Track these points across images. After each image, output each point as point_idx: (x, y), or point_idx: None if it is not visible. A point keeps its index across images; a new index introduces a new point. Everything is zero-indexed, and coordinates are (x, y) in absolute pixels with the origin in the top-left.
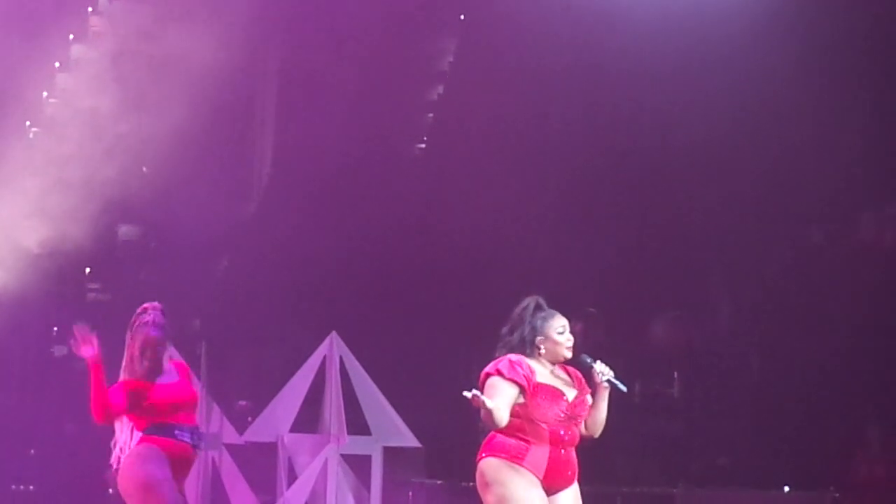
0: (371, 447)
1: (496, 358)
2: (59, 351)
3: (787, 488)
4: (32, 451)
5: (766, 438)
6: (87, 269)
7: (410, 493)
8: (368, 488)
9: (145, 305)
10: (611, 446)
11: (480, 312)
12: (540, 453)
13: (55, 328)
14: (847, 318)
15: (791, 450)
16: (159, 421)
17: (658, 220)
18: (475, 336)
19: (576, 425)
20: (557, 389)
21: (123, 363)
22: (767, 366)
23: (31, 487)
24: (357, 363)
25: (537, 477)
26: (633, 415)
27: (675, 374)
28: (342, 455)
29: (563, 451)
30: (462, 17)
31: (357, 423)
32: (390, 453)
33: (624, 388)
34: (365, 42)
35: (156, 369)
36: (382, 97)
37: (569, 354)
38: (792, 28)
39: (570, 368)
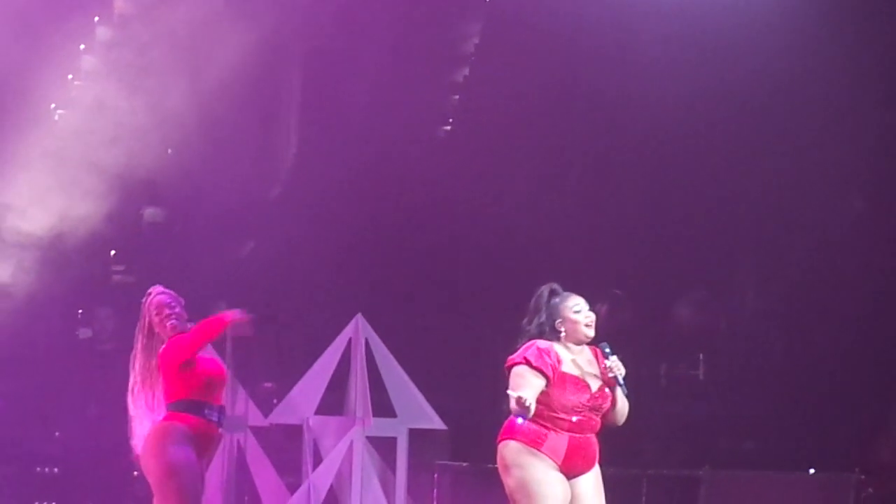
0: (396, 429)
1: (519, 346)
2: (83, 333)
3: (812, 470)
4: (57, 434)
5: (791, 421)
6: (112, 252)
7: (436, 475)
8: (394, 470)
9: (148, 290)
10: (636, 429)
11: (505, 294)
12: (559, 440)
13: (80, 310)
14: (873, 299)
15: (816, 432)
16: (189, 398)
17: (683, 202)
18: (500, 318)
19: (598, 415)
20: (582, 380)
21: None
22: (793, 348)
23: (56, 470)
24: (382, 345)
25: (556, 462)
26: (658, 397)
27: (701, 357)
28: (367, 437)
29: (583, 437)
30: None
31: (382, 406)
32: (416, 435)
33: (624, 392)
34: (390, 25)
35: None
36: (408, 80)
37: (590, 332)
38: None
39: (597, 351)
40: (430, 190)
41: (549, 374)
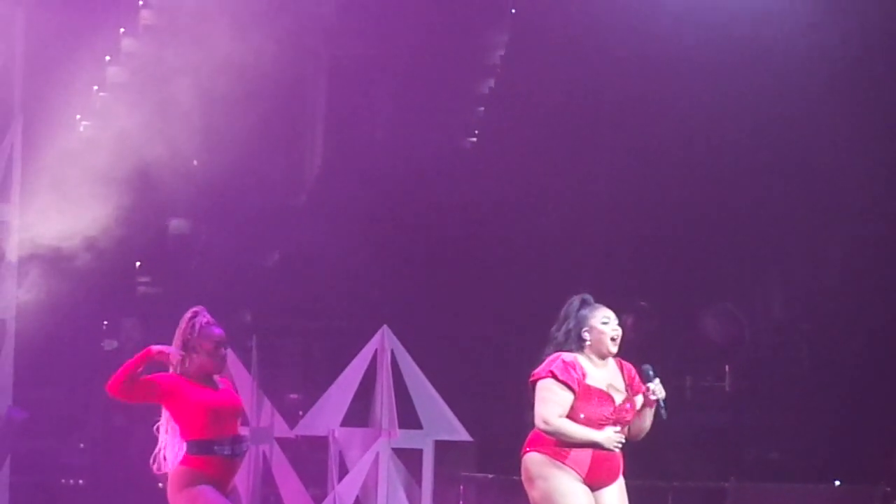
0: (422, 441)
1: (545, 356)
2: (109, 345)
3: (838, 482)
4: (82, 445)
5: (817, 432)
6: (138, 263)
7: (461, 487)
8: (419, 482)
9: (195, 309)
10: (663, 440)
11: (532, 306)
12: (583, 453)
13: (105, 322)
14: None
15: (842, 444)
16: (197, 438)
17: (710, 213)
18: (526, 329)
19: (621, 428)
20: (607, 393)
21: (176, 363)
22: (818, 359)
23: (81, 481)
24: (408, 357)
25: (580, 475)
26: (684, 409)
27: (727, 368)
28: (393, 449)
29: (606, 450)
30: (513, 10)
31: (408, 417)
32: (441, 447)
33: (664, 416)
34: (416, 36)
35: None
36: (433, 91)
37: (614, 348)
38: (845, 25)
39: (627, 365)
40: (456, 200)
41: (575, 387)
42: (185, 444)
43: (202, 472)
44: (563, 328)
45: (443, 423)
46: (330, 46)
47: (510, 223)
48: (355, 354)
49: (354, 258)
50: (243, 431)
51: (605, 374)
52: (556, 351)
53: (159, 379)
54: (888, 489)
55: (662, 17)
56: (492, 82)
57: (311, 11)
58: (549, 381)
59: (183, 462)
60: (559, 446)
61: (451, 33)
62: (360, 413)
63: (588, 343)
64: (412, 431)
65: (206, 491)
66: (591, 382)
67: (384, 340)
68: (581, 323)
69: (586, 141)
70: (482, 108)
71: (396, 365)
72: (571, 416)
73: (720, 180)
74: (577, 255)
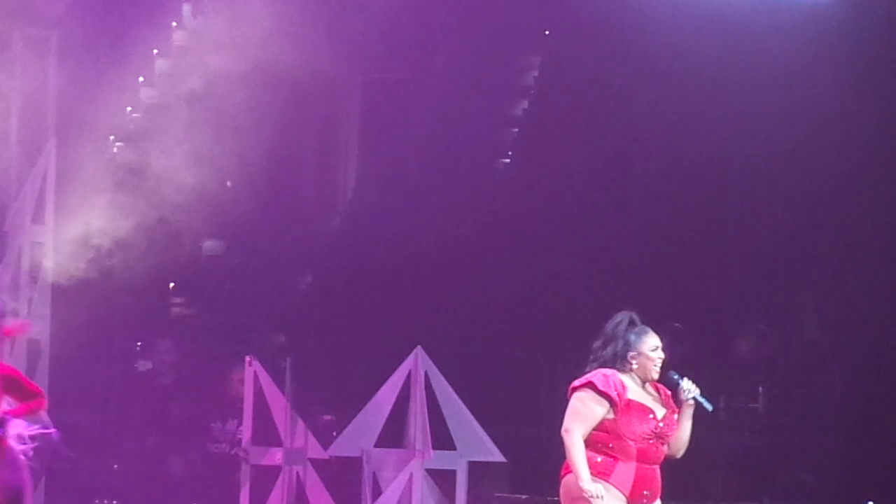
0: (456, 462)
1: (586, 372)
2: (143, 366)
3: (871, 503)
4: (116, 466)
5: (850, 453)
6: (172, 284)
7: None
8: (453, 503)
9: None
10: (696, 461)
11: (565, 327)
12: (627, 470)
13: (139, 343)
14: None
15: (875, 465)
16: None
17: (743, 234)
18: (560, 351)
19: (663, 443)
20: (648, 407)
21: None
22: (852, 380)
23: (114, 502)
24: (442, 378)
25: (623, 494)
26: (718, 430)
27: (760, 390)
28: (427, 470)
29: (649, 468)
30: (547, 32)
31: (442, 438)
32: (475, 468)
33: (709, 407)
34: (449, 57)
35: None
36: (467, 112)
37: (656, 374)
38: (866, 36)
39: (660, 386)
40: (489, 222)
41: (615, 398)
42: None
43: None
44: (611, 348)
45: (476, 443)
46: (363, 69)
47: (544, 244)
48: (389, 375)
49: (388, 280)
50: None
51: (645, 389)
52: (599, 367)
53: None
54: None
55: (698, 34)
56: (525, 104)
57: (344, 35)
58: (586, 393)
59: None
60: (603, 464)
61: (484, 55)
62: (393, 434)
63: (634, 367)
64: (446, 452)
65: None
66: (632, 397)
67: (418, 361)
68: (629, 346)
69: (619, 161)
70: (516, 130)
71: (430, 386)
72: (614, 431)
73: (754, 202)
74: (612, 276)
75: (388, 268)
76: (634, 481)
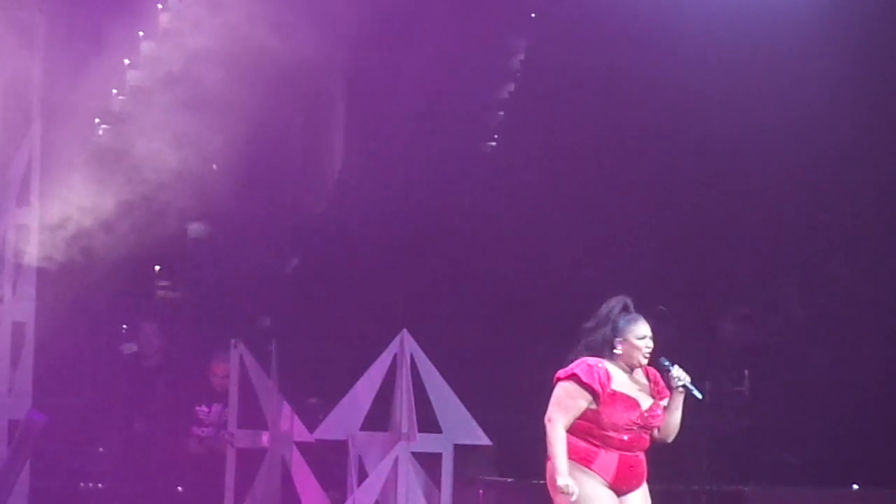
0: (442, 445)
1: (574, 352)
2: (127, 349)
3: (855, 486)
4: (101, 449)
5: (836, 436)
6: (157, 267)
7: (481, 491)
8: (439, 486)
9: None
10: (682, 445)
11: (551, 310)
12: (609, 458)
13: (124, 326)
14: None
15: (861, 447)
16: None
17: (729, 218)
18: (545, 333)
19: (647, 432)
20: (632, 398)
21: None
22: (838, 362)
23: (100, 485)
24: (427, 361)
25: (606, 480)
26: (703, 413)
27: (746, 373)
28: (412, 453)
29: (633, 455)
30: (533, 15)
31: (427, 421)
32: (461, 451)
33: (699, 396)
34: (435, 40)
35: None
36: (453, 95)
37: (644, 361)
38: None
39: (651, 370)
40: (475, 205)
41: (598, 390)
42: None
43: None
44: (600, 332)
45: (462, 427)
46: (350, 52)
47: (530, 227)
48: (375, 359)
49: (374, 263)
50: None
51: (631, 379)
52: (586, 353)
53: None
54: None
55: (686, 18)
56: (511, 87)
57: (330, 19)
58: (570, 384)
59: None
60: (585, 451)
61: (470, 38)
62: (379, 417)
63: (619, 352)
64: (431, 435)
65: None
66: (616, 387)
67: (404, 345)
68: (617, 332)
69: (606, 145)
70: (502, 113)
71: (416, 369)
72: (597, 421)
73: (741, 184)
74: (598, 259)
75: (374, 251)
76: (617, 469)
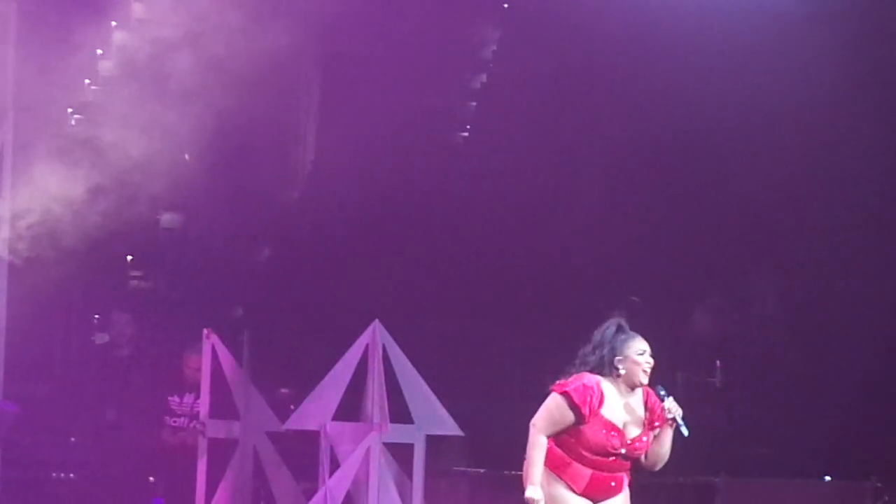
0: (413, 436)
1: (571, 373)
2: (100, 339)
3: (828, 478)
4: (73, 439)
5: (807, 428)
6: (129, 257)
7: (452, 482)
8: (411, 477)
9: None
10: None
11: (523, 301)
12: (582, 472)
13: (96, 316)
14: (891, 306)
15: (833, 439)
16: None
17: (700, 209)
18: (518, 324)
19: (626, 459)
20: (617, 427)
21: None
22: (810, 354)
23: (72, 475)
24: (399, 352)
25: (575, 490)
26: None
27: (718, 364)
28: (384, 443)
29: (607, 475)
30: (505, 5)
31: (399, 412)
32: (433, 442)
33: (685, 432)
34: (408, 30)
35: None
36: (425, 85)
37: (645, 380)
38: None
39: (652, 398)
40: (448, 196)
41: (585, 413)
42: None
43: None
44: (597, 354)
45: (434, 417)
46: (321, 42)
47: (502, 218)
48: (347, 349)
49: (346, 253)
50: None
51: (629, 404)
52: (587, 369)
53: None
54: (878, 484)
55: (661, 7)
56: (484, 77)
57: (302, 8)
58: (562, 399)
59: None
60: (560, 458)
61: (442, 28)
62: (351, 407)
63: (621, 372)
64: (403, 426)
65: None
66: (605, 412)
67: (375, 335)
68: (615, 351)
69: (578, 136)
70: (474, 103)
71: (388, 360)
72: (577, 438)
73: (713, 175)
74: (568, 250)
75: (346, 241)
76: (588, 483)
